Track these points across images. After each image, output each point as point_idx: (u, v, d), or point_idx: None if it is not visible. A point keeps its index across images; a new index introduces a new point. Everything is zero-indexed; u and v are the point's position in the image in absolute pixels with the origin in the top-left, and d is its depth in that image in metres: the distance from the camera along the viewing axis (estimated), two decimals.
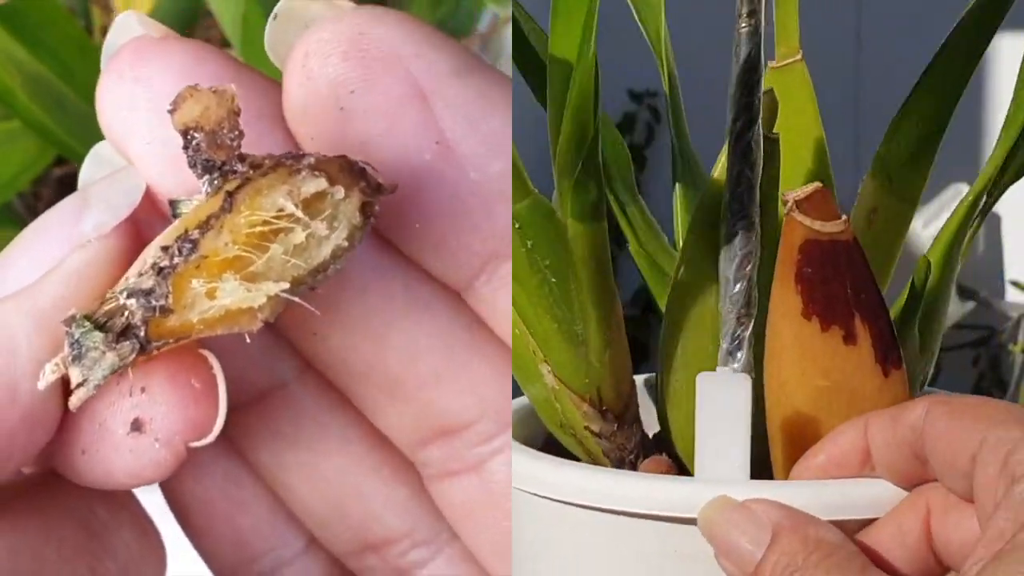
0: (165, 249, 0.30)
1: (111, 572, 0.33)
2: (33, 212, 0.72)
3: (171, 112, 0.30)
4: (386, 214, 0.31)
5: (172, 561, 0.35)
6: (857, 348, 0.37)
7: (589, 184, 0.40)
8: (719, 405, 0.37)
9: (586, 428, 0.43)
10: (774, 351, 0.38)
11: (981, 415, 0.34)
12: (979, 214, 0.43)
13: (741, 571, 0.34)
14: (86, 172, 0.33)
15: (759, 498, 0.35)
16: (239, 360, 0.32)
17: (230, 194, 0.29)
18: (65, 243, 0.31)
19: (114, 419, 0.31)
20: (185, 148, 0.30)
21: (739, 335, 0.39)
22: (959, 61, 0.42)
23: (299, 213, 0.29)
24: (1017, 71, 0.42)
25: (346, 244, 0.30)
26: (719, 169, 0.41)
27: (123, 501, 0.34)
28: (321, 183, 0.29)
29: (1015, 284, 2.00)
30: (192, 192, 0.30)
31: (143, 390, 0.31)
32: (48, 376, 0.30)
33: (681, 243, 0.44)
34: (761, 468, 0.39)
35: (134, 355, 0.30)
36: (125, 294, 0.30)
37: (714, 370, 0.39)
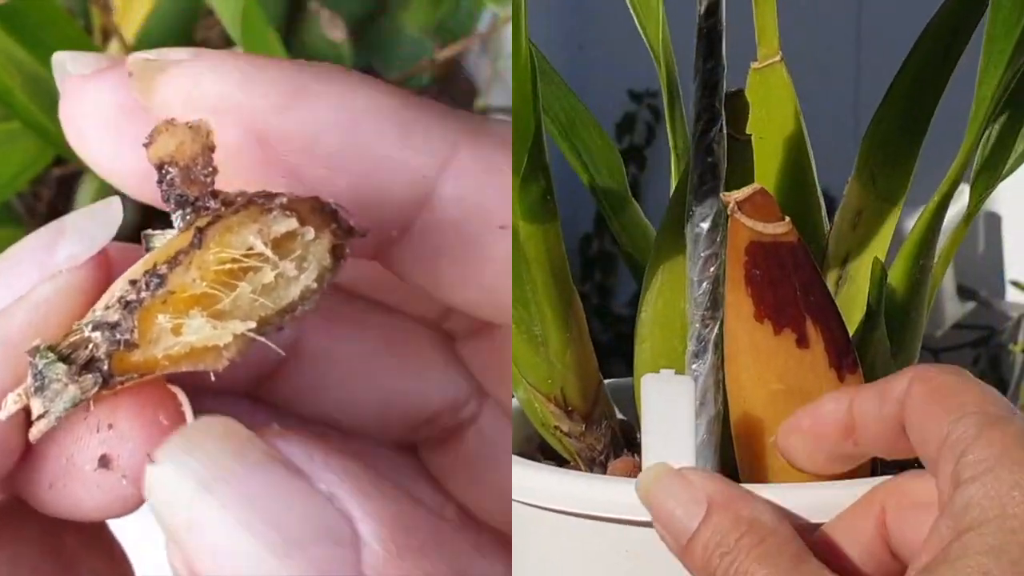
0: (133, 283, 0.29)
1: None
2: (32, 212, 0.72)
3: (146, 146, 0.30)
4: None
5: None
6: (810, 351, 0.37)
7: (535, 182, 0.39)
8: (663, 407, 0.36)
9: (555, 428, 0.43)
10: (731, 354, 0.38)
11: (953, 404, 0.33)
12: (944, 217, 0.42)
13: (676, 541, 0.35)
14: None
15: (696, 468, 0.35)
16: None
17: (200, 230, 0.29)
18: (37, 272, 0.31)
19: (81, 455, 0.30)
20: (159, 182, 0.30)
21: (704, 336, 0.39)
22: (935, 59, 0.42)
23: (268, 252, 0.29)
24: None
25: (315, 286, 0.30)
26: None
27: (93, 529, 0.34)
28: (292, 223, 0.29)
29: (1015, 284, 1.99)
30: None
31: (110, 426, 0.30)
32: (9, 406, 0.30)
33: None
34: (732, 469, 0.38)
35: (96, 388, 0.30)
36: (90, 326, 0.30)
37: (683, 372, 0.38)
